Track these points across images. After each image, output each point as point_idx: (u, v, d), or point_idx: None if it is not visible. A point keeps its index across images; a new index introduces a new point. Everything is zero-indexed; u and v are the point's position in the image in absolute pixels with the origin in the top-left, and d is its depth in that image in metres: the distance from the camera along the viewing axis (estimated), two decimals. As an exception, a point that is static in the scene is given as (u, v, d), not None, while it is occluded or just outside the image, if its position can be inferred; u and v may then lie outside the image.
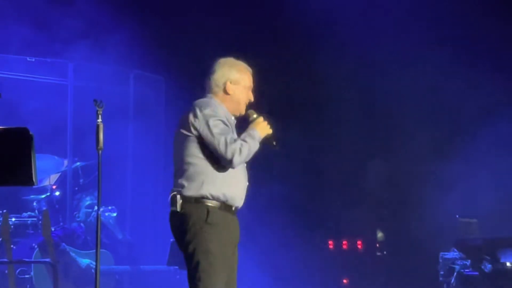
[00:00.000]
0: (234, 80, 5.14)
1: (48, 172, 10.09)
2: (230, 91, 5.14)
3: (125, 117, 10.75)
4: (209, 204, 4.98)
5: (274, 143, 5.06)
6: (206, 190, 4.99)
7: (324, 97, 10.87)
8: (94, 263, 9.29)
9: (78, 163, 10.39)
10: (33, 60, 10.12)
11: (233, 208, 5.08)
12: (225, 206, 5.02)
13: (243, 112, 5.16)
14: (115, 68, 10.49)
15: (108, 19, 9.67)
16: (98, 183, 5.45)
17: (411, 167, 10.70)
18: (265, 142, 5.06)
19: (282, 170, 10.68)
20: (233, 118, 5.16)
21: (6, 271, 8.43)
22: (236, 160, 4.92)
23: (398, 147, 10.74)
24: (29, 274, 9.00)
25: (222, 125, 4.98)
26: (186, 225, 4.99)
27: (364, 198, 11.09)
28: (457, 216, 9.64)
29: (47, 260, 8.51)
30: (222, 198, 5.00)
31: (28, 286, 9.04)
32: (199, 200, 4.99)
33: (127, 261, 9.73)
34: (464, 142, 10.03)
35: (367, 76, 10.72)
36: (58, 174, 10.34)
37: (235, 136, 5.06)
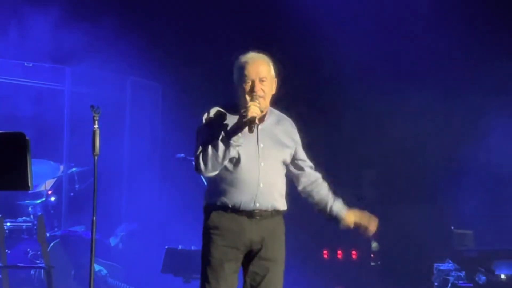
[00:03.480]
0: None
1: (44, 177, 10.08)
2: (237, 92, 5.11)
3: (121, 123, 10.75)
4: (212, 211, 5.05)
5: (252, 127, 4.91)
6: (209, 200, 5.09)
7: (320, 106, 10.87)
8: (105, 271, 9.36)
9: (74, 169, 10.39)
10: (31, 65, 10.12)
11: (245, 212, 5.05)
12: (231, 210, 5.03)
13: (248, 104, 4.96)
14: (112, 74, 10.50)
15: (106, 26, 9.67)
16: (94, 189, 5.44)
17: (407, 178, 10.70)
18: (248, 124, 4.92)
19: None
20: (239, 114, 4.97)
21: (1, 276, 8.42)
22: (201, 170, 4.95)
23: (394, 157, 10.74)
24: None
25: (199, 138, 5.02)
26: None
27: (359, 208, 11.06)
28: (452, 227, 9.64)
29: (42, 265, 8.50)
30: (223, 205, 5.03)
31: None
32: (206, 209, 5.10)
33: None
34: (460, 154, 10.03)
35: (363, 87, 10.73)
36: (54, 180, 10.34)
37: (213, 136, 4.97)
